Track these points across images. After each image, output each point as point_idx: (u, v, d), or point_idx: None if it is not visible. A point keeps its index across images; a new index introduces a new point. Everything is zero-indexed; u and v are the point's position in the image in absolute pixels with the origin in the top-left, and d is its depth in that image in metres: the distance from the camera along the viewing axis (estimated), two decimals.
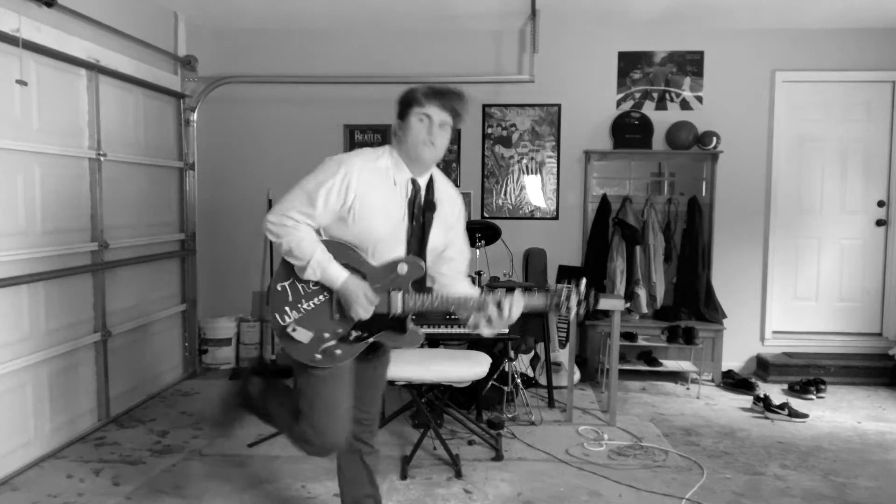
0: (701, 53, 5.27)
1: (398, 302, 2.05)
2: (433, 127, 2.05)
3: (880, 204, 5.32)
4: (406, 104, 2.09)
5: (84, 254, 3.80)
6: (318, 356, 2.09)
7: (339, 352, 2.10)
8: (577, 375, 4.82)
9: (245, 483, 3.20)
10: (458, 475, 3.25)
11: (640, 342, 5.01)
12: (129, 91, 4.26)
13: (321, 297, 2.11)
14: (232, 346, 5.33)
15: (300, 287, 2.11)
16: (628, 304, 5.10)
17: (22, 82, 3.20)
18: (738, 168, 5.22)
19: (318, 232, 2.12)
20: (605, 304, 4.28)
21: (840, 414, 4.34)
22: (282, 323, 2.11)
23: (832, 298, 5.40)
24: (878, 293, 5.37)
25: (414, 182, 2.12)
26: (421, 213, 2.11)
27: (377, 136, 5.40)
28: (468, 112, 2.16)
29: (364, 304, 2.05)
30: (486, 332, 2.13)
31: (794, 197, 5.34)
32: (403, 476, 3.24)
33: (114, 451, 3.59)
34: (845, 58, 5.19)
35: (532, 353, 4.79)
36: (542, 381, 4.64)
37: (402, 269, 2.05)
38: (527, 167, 5.38)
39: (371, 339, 2.12)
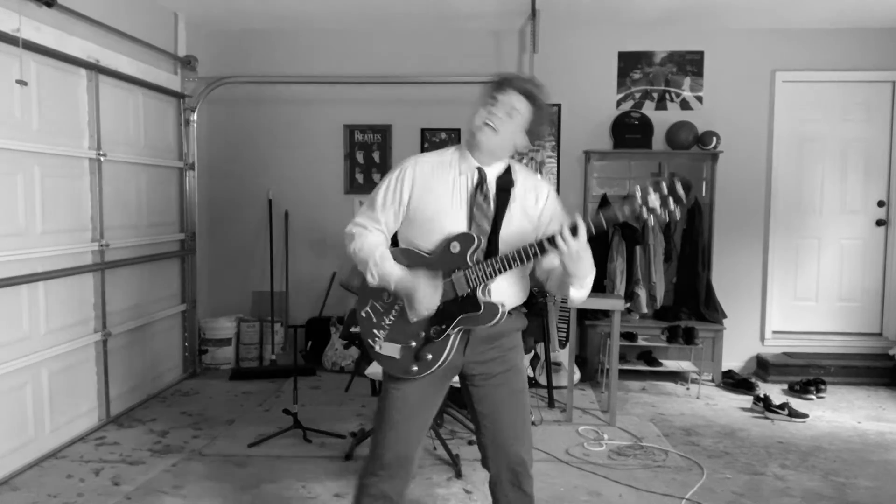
0: (701, 53, 5.27)
1: (461, 281, 1.97)
2: (496, 110, 1.99)
3: (880, 204, 5.32)
4: (484, 94, 2.04)
5: (84, 254, 3.79)
6: (415, 367, 2.03)
7: (429, 356, 2.02)
8: (577, 375, 4.81)
9: (245, 483, 3.20)
10: (458, 475, 3.25)
11: (640, 342, 5.01)
12: (129, 91, 4.26)
13: (396, 306, 2.07)
14: (232, 346, 5.33)
15: (378, 305, 2.10)
16: (628, 304, 5.10)
17: (22, 82, 3.20)
18: (738, 168, 5.22)
19: (395, 242, 2.14)
20: (604, 304, 4.28)
21: (840, 414, 4.34)
22: (373, 345, 2.10)
23: (832, 298, 5.40)
24: (878, 293, 5.37)
25: (480, 170, 2.05)
26: (486, 197, 2.03)
27: (377, 136, 5.40)
28: (547, 110, 2.06)
29: (424, 294, 1.96)
30: (576, 283, 1.92)
31: (794, 197, 5.34)
32: None
33: (114, 451, 3.59)
34: (845, 58, 5.18)
35: (532, 353, 4.79)
36: (542, 381, 4.64)
37: (455, 247, 1.98)
38: (527, 167, 5.37)
39: (452, 331, 2.00)
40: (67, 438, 3.65)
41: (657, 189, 1.81)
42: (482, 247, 2.00)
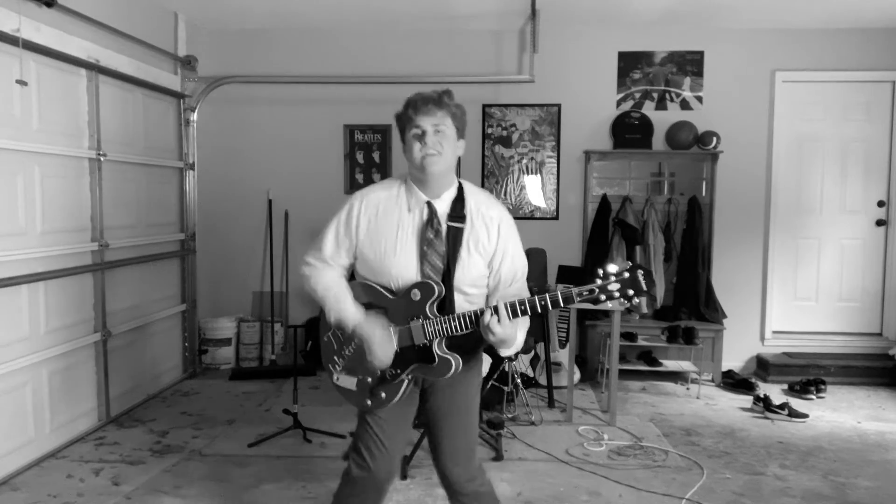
0: (701, 53, 5.27)
1: (419, 331, 1.96)
2: (427, 136, 1.96)
3: (880, 204, 5.32)
4: (400, 126, 2.06)
5: (84, 254, 3.80)
6: (368, 402, 2.07)
7: (383, 394, 2.05)
8: (577, 375, 4.82)
9: (245, 483, 3.20)
10: None
11: (640, 342, 5.01)
12: (129, 91, 4.26)
13: (356, 340, 2.05)
14: (232, 346, 5.33)
15: (339, 334, 2.11)
16: (628, 305, 5.08)
17: (22, 82, 3.20)
18: (738, 168, 5.22)
19: (352, 276, 2.13)
20: (604, 304, 4.28)
21: (840, 414, 4.34)
22: (333, 371, 2.14)
23: (832, 298, 5.40)
24: (878, 293, 5.37)
25: (429, 205, 2.01)
26: (437, 233, 1.98)
27: (377, 136, 5.40)
28: (461, 109, 2.05)
29: (378, 347, 1.97)
30: (501, 351, 1.97)
31: (794, 197, 5.34)
32: (403, 476, 3.24)
33: (114, 451, 3.59)
34: (845, 58, 5.19)
35: (532, 353, 4.79)
36: (542, 381, 4.64)
37: (415, 294, 1.95)
38: (527, 167, 5.38)
39: (405, 376, 2.02)
40: (67, 438, 3.65)
41: (619, 277, 1.84)
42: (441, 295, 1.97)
